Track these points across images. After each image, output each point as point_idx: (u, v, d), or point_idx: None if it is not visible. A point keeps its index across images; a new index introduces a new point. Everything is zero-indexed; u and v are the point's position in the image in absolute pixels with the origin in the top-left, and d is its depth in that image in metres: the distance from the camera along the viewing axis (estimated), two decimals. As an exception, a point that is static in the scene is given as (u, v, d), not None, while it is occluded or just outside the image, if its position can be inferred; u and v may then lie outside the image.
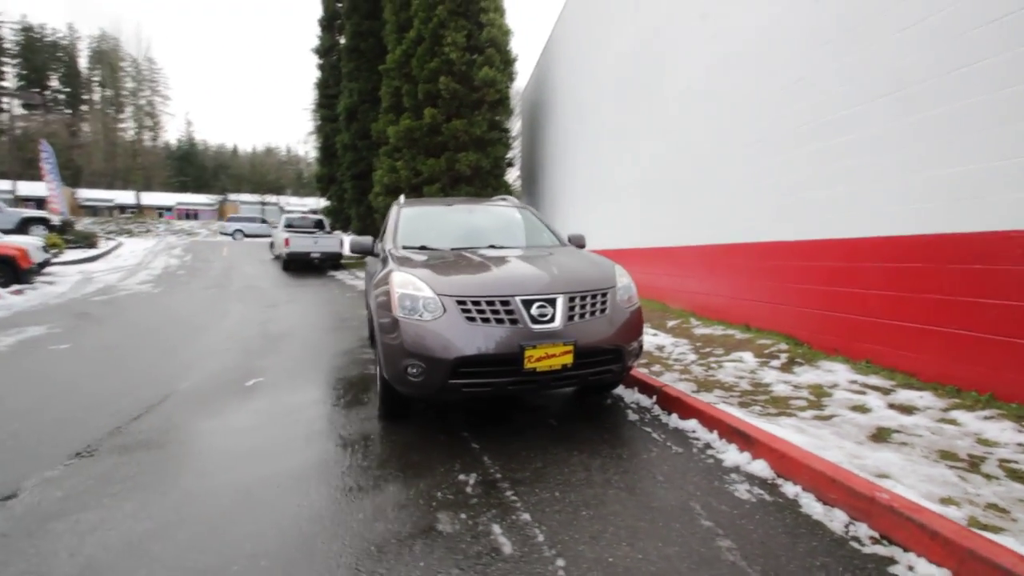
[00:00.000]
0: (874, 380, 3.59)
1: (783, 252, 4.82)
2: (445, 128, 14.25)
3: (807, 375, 3.89)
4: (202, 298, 9.36)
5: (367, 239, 4.06)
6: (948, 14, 3.29)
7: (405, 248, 3.77)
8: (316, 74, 23.04)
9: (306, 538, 1.96)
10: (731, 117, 5.59)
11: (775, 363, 4.23)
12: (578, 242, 4.34)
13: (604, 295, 3.07)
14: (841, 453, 2.46)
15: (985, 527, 1.81)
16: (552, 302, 2.87)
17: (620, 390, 3.87)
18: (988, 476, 2.23)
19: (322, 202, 31.27)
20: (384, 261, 3.69)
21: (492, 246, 3.96)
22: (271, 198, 48.97)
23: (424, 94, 14.34)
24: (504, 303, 2.81)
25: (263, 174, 49.59)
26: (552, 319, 2.83)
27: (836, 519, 2.04)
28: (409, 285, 2.92)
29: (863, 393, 3.39)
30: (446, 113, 14.37)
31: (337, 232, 18.34)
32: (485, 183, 15.36)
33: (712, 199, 5.94)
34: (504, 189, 15.76)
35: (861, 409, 3.12)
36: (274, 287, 11.50)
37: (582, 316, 2.93)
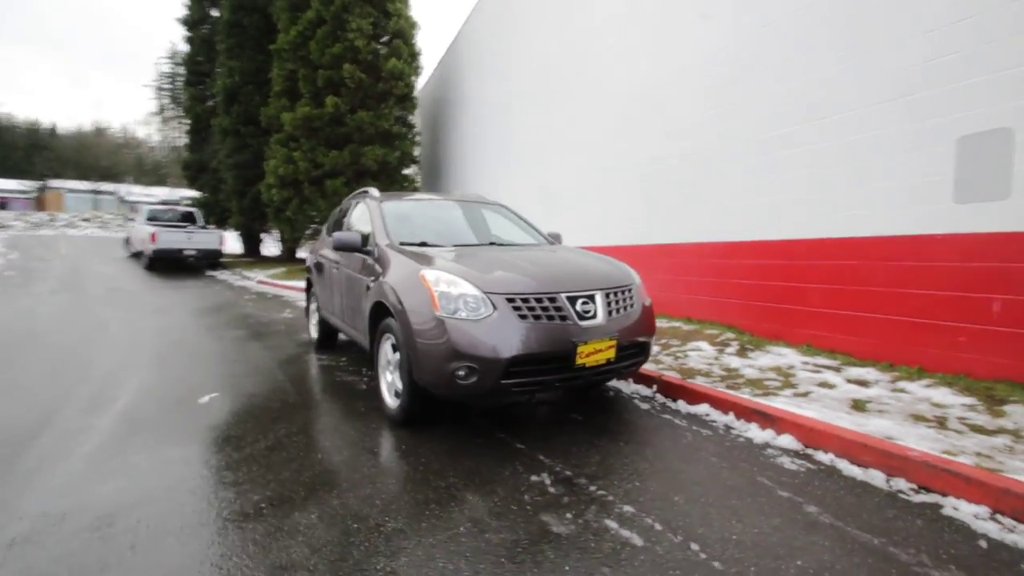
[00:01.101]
0: (821, 360, 4.20)
1: (723, 251, 5.40)
2: (350, 119, 13.40)
3: (763, 359, 4.41)
4: (59, 305, 7.71)
5: (354, 235, 3.71)
6: (856, 62, 3.98)
7: (404, 245, 3.53)
8: (184, 47, 20.14)
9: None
10: (667, 137, 6.10)
11: (730, 350, 4.72)
12: (557, 240, 4.43)
13: (631, 291, 3.20)
14: (848, 422, 2.87)
15: (990, 471, 2.26)
16: (592, 298, 2.92)
17: (613, 381, 4.04)
18: (958, 431, 2.77)
19: (181, 192, 27.41)
20: (381, 260, 3.42)
21: (493, 243, 3.88)
22: (106, 186, 41.69)
23: (325, 81, 13.34)
24: (552, 300, 2.79)
25: (95, 158, 42.03)
26: (595, 315, 2.88)
27: (876, 478, 2.38)
28: (449, 283, 2.76)
29: (819, 372, 3.95)
30: (350, 103, 13.53)
31: (213, 228, 16.26)
32: (392, 179, 14.77)
33: (653, 206, 6.42)
34: (409, 185, 15.31)
35: (827, 385, 3.64)
36: (147, 290, 9.90)
37: (618, 311, 3.02)
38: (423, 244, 3.59)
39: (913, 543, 1.87)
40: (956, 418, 2.93)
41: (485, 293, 2.71)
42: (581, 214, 7.76)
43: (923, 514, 2.08)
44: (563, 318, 2.76)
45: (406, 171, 15.54)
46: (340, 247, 3.71)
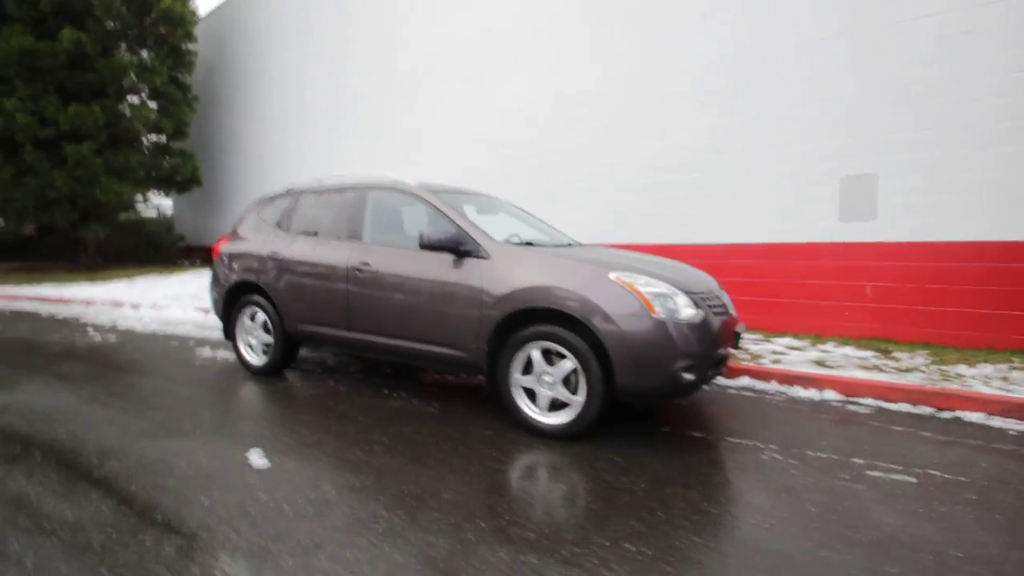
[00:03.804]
0: (751, 336, 5.50)
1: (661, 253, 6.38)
2: (103, 64, 9.77)
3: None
4: None
5: (451, 230, 3.12)
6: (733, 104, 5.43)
7: (513, 244, 3.19)
8: None
9: None
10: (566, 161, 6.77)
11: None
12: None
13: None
14: (863, 375, 4.00)
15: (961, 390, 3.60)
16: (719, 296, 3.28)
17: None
18: (895, 371, 4.18)
19: None
20: (502, 261, 3.01)
21: (571, 244, 3.80)
22: None
23: (55, 3, 9.37)
24: (717, 297, 3.06)
25: None
26: (728, 310, 3.25)
27: (901, 408, 3.48)
28: (649, 284, 2.72)
29: (759, 343, 5.20)
30: (101, 41, 9.86)
31: None
32: (165, 152, 11.44)
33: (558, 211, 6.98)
34: (190, 163, 12.16)
35: (778, 352, 4.85)
36: None
37: (722, 307, 3.46)
38: (529, 244, 3.31)
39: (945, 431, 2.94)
40: (874, 365, 4.39)
41: (687, 293, 2.79)
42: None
43: (956, 425, 3.22)
44: (725, 314, 3.06)
45: (180, 145, 12.26)
46: (435, 246, 3.08)
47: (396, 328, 3.37)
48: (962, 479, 2.44)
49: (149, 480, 2.30)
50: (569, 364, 2.77)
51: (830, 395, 3.75)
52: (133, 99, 11.27)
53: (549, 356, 2.86)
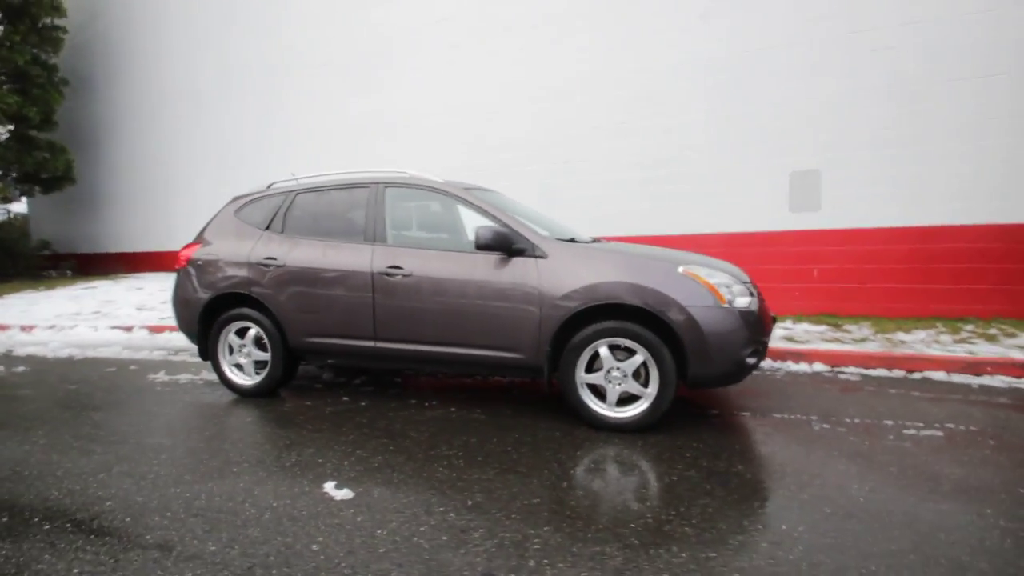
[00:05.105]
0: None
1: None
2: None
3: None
4: None
5: (503, 229, 2.98)
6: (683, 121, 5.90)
7: (566, 242, 3.16)
8: None
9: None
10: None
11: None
12: None
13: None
14: (850, 347, 4.49)
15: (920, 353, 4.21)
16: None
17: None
18: (851, 341, 4.78)
19: None
20: (559, 259, 2.96)
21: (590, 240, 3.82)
22: None
23: None
24: (755, 286, 3.27)
25: None
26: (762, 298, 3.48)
27: (881, 374, 4.00)
28: (711, 275, 2.84)
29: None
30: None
31: None
32: (31, 144, 9.54)
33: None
34: (61, 158, 10.29)
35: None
36: None
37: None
38: (572, 240, 3.28)
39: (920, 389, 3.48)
40: (834, 338, 4.99)
41: (741, 282, 2.95)
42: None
43: (922, 383, 3.78)
44: (763, 300, 3.29)
45: (48, 136, 10.31)
46: (491, 246, 2.93)
47: (437, 335, 3.16)
48: (973, 428, 2.87)
49: (227, 534, 1.94)
50: (639, 358, 2.81)
51: (819, 367, 4.20)
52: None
53: (614, 351, 2.87)
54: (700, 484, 2.29)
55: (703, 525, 1.95)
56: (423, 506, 2.11)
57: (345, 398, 3.60)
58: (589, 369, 2.91)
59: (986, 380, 3.74)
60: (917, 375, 3.94)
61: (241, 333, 3.65)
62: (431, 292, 3.15)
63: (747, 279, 3.15)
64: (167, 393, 3.81)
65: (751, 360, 2.82)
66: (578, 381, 2.91)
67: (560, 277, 2.92)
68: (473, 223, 3.36)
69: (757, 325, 2.87)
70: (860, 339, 4.83)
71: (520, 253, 3.01)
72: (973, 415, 3.08)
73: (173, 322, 5.94)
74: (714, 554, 1.77)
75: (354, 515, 2.05)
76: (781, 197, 5.78)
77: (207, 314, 3.69)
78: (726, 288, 2.81)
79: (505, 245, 2.98)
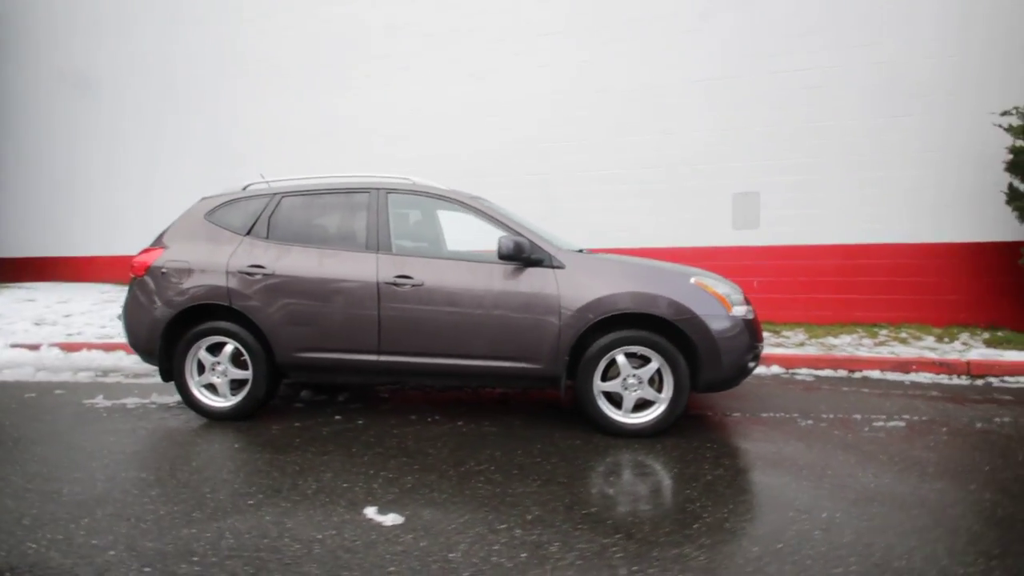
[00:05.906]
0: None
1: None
2: None
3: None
4: None
5: (522, 240, 2.96)
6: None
7: (578, 252, 3.22)
8: None
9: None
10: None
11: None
12: None
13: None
14: (796, 351, 4.94)
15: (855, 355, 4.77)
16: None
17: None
18: (810, 345, 5.31)
19: None
20: (578, 269, 3.02)
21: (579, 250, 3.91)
22: None
23: None
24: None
25: None
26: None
27: (829, 374, 4.49)
28: (717, 284, 3.05)
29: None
30: None
31: None
32: None
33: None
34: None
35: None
36: None
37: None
38: (581, 251, 3.35)
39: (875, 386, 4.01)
40: (776, 343, 5.53)
41: (738, 292, 3.18)
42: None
43: (855, 380, 4.30)
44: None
45: None
46: (512, 256, 2.90)
47: (449, 346, 3.07)
48: (925, 419, 3.32)
49: (281, 575, 1.74)
50: (654, 364, 2.93)
51: (776, 369, 4.62)
52: None
53: (629, 359, 2.97)
54: (734, 482, 2.44)
55: (754, 520, 2.07)
56: (484, 524, 2.04)
57: (337, 417, 3.37)
58: (606, 378, 2.98)
59: (913, 376, 4.35)
60: (858, 374, 4.48)
61: (214, 349, 3.28)
62: (443, 302, 3.05)
63: (740, 289, 3.41)
64: (118, 420, 3.32)
65: (751, 364, 3.05)
66: (595, 389, 2.97)
67: (579, 287, 2.97)
68: (470, 231, 3.34)
69: (755, 332, 3.11)
70: (799, 343, 5.39)
71: (538, 263, 3.03)
72: (919, 407, 3.56)
73: (84, 339, 5.26)
74: (780, 545, 1.89)
75: (415, 540, 1.93)
76: (725, 215, 6.32)
77: (172, 329, 3.28)
78: (730, 298, 3.02)
79: (525, 255, 2.98)
